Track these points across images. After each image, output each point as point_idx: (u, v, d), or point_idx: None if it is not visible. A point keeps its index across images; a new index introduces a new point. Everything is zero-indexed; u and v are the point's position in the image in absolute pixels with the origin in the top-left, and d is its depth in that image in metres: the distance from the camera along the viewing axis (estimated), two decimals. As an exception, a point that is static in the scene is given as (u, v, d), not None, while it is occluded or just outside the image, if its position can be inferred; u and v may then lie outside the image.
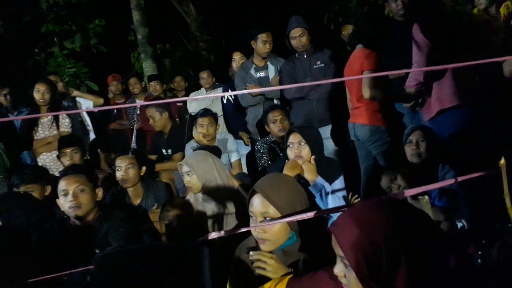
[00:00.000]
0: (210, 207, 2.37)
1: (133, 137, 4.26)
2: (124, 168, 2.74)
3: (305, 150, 2.30)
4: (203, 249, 1.44)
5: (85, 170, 2.19)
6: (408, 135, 2.48)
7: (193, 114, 4.09)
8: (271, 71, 3.66)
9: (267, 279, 1.37)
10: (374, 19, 3.83)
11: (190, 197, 2.49)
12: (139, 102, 4.67)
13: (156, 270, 1.37)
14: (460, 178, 1.27)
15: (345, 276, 1.02)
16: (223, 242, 1.91)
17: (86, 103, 4.51)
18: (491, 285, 1.07)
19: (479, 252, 1.58)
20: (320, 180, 2.22)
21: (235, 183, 2.51)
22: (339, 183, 2.32)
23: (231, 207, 2.37)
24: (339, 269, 1.03)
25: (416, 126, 2.48)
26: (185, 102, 4.43)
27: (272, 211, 1.42)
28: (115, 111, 4.84)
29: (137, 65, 7.85)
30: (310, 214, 1.38)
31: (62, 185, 2.05)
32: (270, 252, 1.44)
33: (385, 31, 3.41)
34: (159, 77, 5.00)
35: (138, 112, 4.42)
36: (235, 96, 3.91)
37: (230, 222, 2.34)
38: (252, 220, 1.49)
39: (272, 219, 1.42)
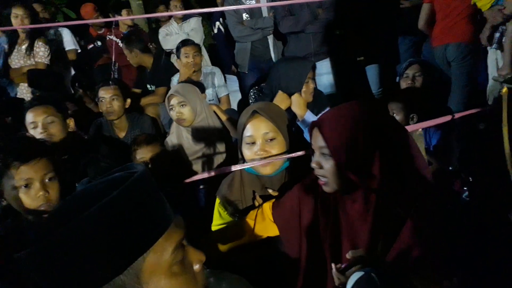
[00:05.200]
0: (199, 145, 2.30)
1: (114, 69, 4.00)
2: (108, 100, 2.62)
3: (312, 86, 2.26)
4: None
5: (53, 101, 2.08)
6: (405, 68, 2.36)
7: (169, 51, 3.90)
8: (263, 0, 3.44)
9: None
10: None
11: (173, 133, 2.39)
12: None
13: None
14: (457, 115, 1.25)
15: (321, 168, 1.08)
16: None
17: (68, 37, 4.20)
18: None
19: (465, 188, 1.61)
20: (309, 115, 2.18)
21: (223, 117, 2.44)
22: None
23: (220, 145, 2.32)
24: (315, 161, 1.11)
25: (414, 59, 2.36)
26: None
27: (273, 131, 1.43)
28: (99, 43, 4.53)
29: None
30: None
31: (29, 117, 1.97)
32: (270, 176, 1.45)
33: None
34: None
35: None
36: (226, 26, 3.68)
37: (220, 160, 2.31)
38: (248, 146, 1.46)
39: (272, 140, 1.43)
